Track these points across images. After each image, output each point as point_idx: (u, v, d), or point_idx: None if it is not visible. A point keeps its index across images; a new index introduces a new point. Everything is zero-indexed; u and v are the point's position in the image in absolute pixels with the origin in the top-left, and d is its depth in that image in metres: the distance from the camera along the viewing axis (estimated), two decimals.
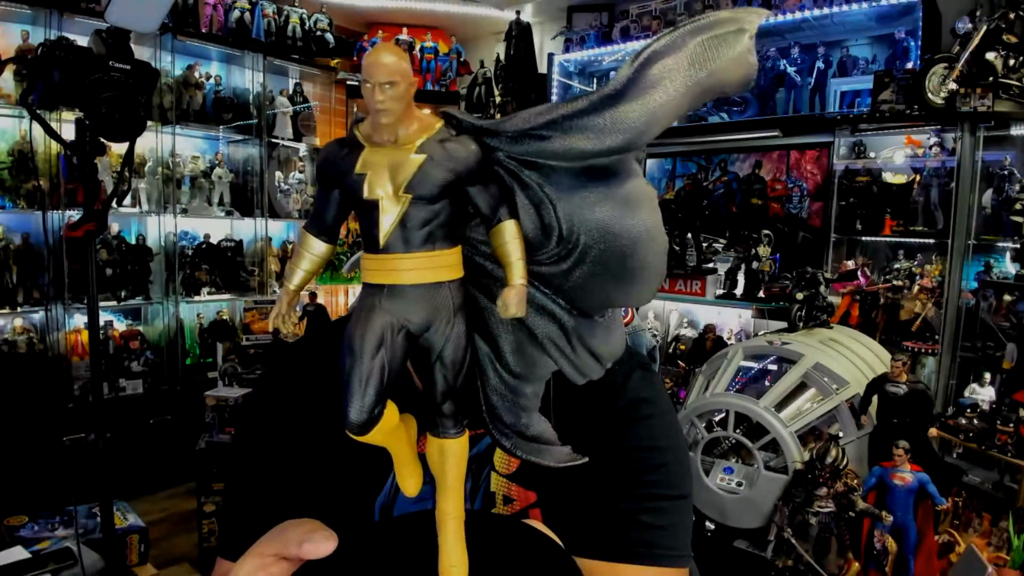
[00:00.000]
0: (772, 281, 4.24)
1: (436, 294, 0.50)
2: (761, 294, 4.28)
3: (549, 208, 0.54)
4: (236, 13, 5.38)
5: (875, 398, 3.09)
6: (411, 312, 0.50)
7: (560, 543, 0.61)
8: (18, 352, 4.33)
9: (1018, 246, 3.56)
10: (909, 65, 4.05)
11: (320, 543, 0.53)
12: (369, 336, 0.49)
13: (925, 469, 2.70)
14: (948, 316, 3.74)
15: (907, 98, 3.82)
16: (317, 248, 0.53)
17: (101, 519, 2.64)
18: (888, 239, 4.13)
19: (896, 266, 4.02)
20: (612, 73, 5.85)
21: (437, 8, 6.10)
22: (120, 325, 4.97)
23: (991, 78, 3.34)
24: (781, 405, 2.97)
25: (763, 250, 4.31)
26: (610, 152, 0.51)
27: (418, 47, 6.32)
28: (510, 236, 0.51)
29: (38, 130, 3.01)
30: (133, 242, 4.89)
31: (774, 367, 3.39)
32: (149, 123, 4.42)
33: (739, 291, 4.45)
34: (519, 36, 5.86)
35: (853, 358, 3.38)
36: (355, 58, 6.32)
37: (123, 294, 4.81)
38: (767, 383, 3.24)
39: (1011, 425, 2.82)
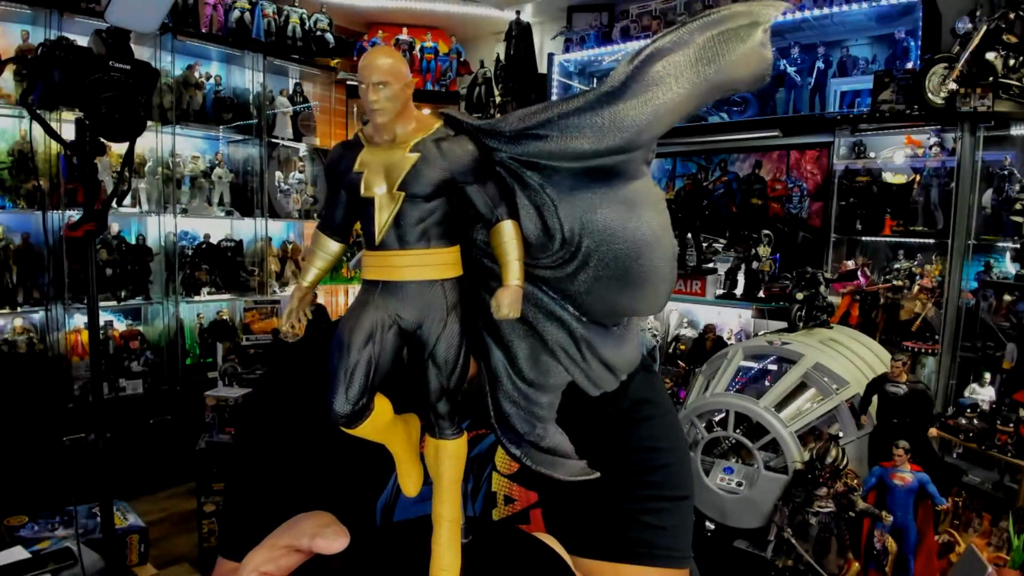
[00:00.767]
0: (772, 281, 4.24)
1: (429, 291, 0.50)
2: (761, 294, 4.28)
3: (551, 210, 0.52)
4: (236, 13, 5.38)
5: (875, 398, 3.09)
6: (403, 308, 0.50)
7: (566, 557, 0.60)
8: (18, 352, 4.32)
9: (1018, 246, 3.56)
10: (909, 65, 4.05)
11: (332, 538, 0.54)
12: (359, 329, 0.50)
13: (925, 469, 2.70)
14: (948, 316, 3.74)
15: (907, 98, 3.82)
16: (330, 247, 0.55)
17: (101, 519, 2.64)
18: (888, 239, 4.13)
19: (896, 266, 4.02)
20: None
21: (437, 8, 6.10)
22: (120, 325, 4.97)
23: (991, 78, 3.34)
24: (781, 405, 2.97)
25: (763, 250, 4.31)
26: (609, 152, 0.50)
27: (418, 47, 6.32)
28: (507, 236, 0.51)
29: (38, 130, 3.01)
30: (133, 242, 4.89)
31: (774, 367, 3.39)
32: (149, 123, 4.42)
33: (739, 291, 4.45)
34: (519, 36, 5.86)
35: (853, 358, 3.38)
36: (355, 58, 6.31)
37: (123, 294, 4.81)
38: (767, 383, 3.24)
39: (1011, 425, 2.82)
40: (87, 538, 2.91)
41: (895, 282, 3.98)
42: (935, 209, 3.88)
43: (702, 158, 5.06)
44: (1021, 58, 3.37)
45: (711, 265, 4.65)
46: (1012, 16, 3.35)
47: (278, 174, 5.87)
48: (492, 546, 0.58)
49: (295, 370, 0.99)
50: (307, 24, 5.81)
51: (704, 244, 4.66)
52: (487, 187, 0.51)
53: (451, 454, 0.54)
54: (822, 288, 3.83)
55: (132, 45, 2.44)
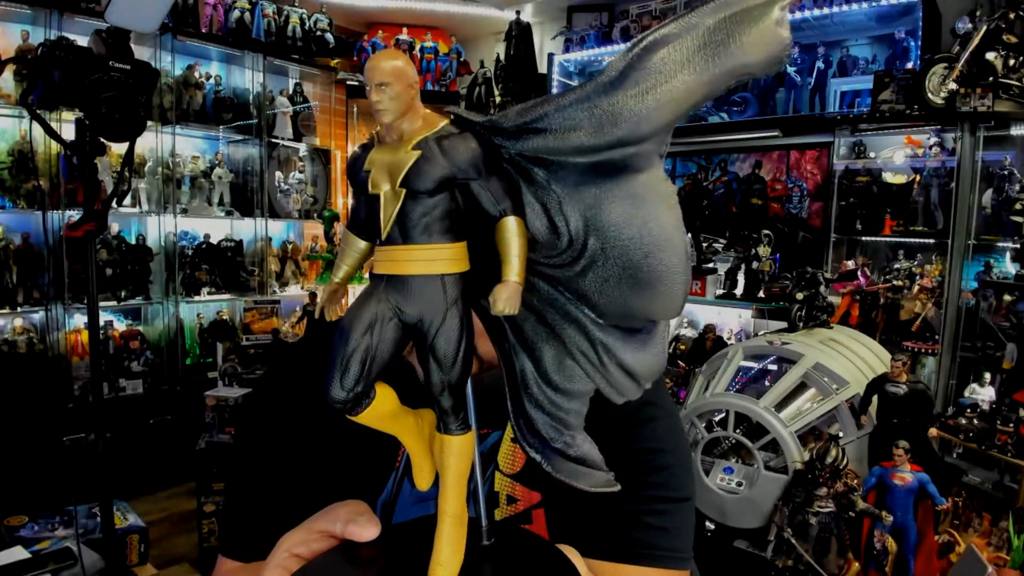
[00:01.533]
0: (772, 281, 4.24)
1: (430, 286, 0.51)
2: (761, 294, 4.28)
3: (556, 206, 0.51)
4: (236, 13, 5.38)
5: (875, 398, 3.09)
6: (404, 301, 0.51)
7: (584, 573, 0.60)
8: (18, 352, 4.32)
9: (1018, 246, 3.56)
10: (909, 65, 4.05)
11: (364, 527, 0.56)
12: (359, 319, 0.52)
13: (925, 469, 2.70)
14: (948, 316, 3.74)
15: (907, 98, 3.82)
16: (357, 245, 0.57)
17: (101, 519, 2.64)
18: (888, 239, 4.13)
19: (896, 266, 4.02)
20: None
21: (437, 8, 6.10)
22: (120, 325, 4.97)
23: (991, 78, 3.34)
24: (781, 405, 2.97)
25: (763, 250, 4.31)
26: (610, 146, 0.47)
27: (418, 47, 6.32)
28: (508, 232, 0.51)
29: (38, 130, 3.01)
30: (133, 242, 4.89)
31: (774, 367, 3.39)
32: (149, 123, 4.42)
33: (739, 291, 4.45)
34: (519, 36, 5.86)
35: (853, 358, 3.38)
36: (355, 58, 6.32)
37: (123, 294, 4.81)
38: (767, 383, 3.24)
39: (1011, 425, 2.82)
40: (87, 538, 2.91)
41: (895, 282, 3.98)
42: (935, 209, 3.88)
43: (702, 158, 5.06)
44: (1021, 58, 3.37)
45: (711, 265, 4.65)
46: (1012, 16, 3.35)
47: (278, 174, 5.87)
48: (506, 551, 0.58)
49: (295, 370, 0.99)
50: (307, 24, 5.81)
51: (704, 244, 4.66)
52: (491, 183, 0.51)
53: (455, 450, 0.55)
54: (822, 288, 3.83)
55: (132, 45, 2.44)
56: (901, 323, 3.95)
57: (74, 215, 4.08)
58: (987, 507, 2.76)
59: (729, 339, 4.66)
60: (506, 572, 0.57)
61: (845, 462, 2.73)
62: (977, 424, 2.94)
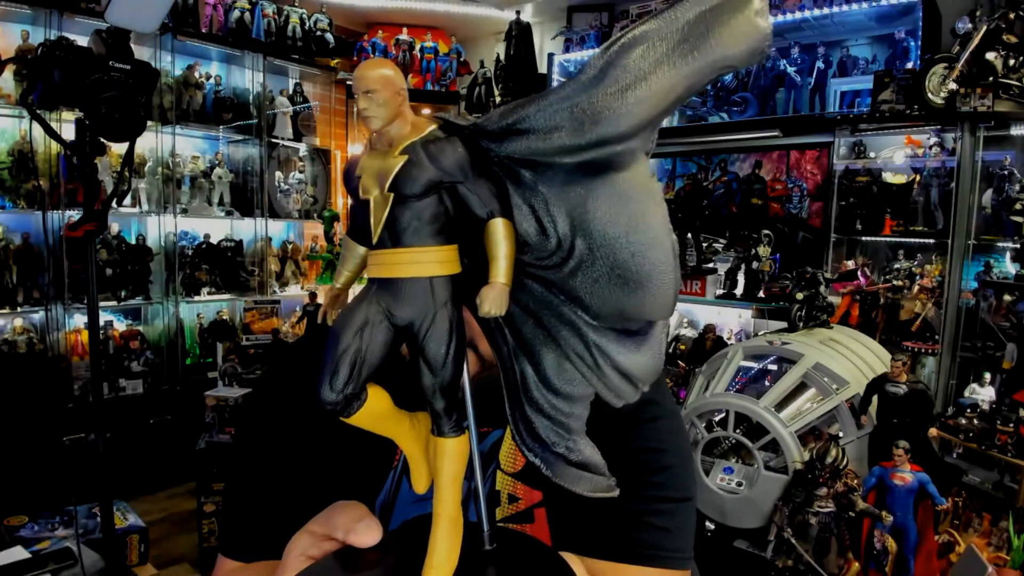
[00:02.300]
0: (772, 281, 4.24)
1: (419, 288, 0.52)
2: (761, 294, 4.28)
3: (543, 207, 0.51)
4: (236, 13, 5.38)
5: (875, 398, 3.09)
6: (394, 304, 0.52)
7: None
8: (18, 352, 4.32)
9: (1018, 246, 3.56)
10: (909, 65, 4.05)
11: (364, 533, 0.56)
12: (350, 321, 0.53)
13: (925, 469, 2.70)
14: (948, 316, 3.74)
15: (907, 98, 3.82)
16: (357, 251, 0.58)
17: (101, 519, 2.64)
18: (888, 239, 4.13)
19: (896, 266, 4.02)
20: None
21: (437, 8, 6.10)
22: (120, 325, 4.97)
23: (991, 78, 3.34)
24: (781, 405, 2.97)
25: (763, 250, 4.31)
26: (592, 145, 0.47)
27: (418, 47, 6.32)
28: (495, 234, 0.51)
29: (38, 130, 3.01)
30: (133, 242, 4.89)
31: (774, 367, 3.39)
32: (149, 123, 4.43)
33: (739, 291, 4.45)
34: (519, 36, 5.86)
35: (853, 358, 3.38)
36: (355, 58, 6.31)
37: (123, 294, 4.81)
38: (767, 383, 3.24)
39: (1011, 425, 2.82)
40: (87, 538, 2.91)
41: (895, 282, 3.98)
42: (935, 209, 3.88)
43: (702, 158, 5.06)
44: (1021, 58, 3.37)
45: (711, 265, 4.65)
46: (1012, 16, 3.35)
47: (278, 174, 5.87)
48: (508, 556, 0.58)
49: (294, 370, 0.99)
50: (307, 24, 5.81)
51: (704, 244, 4.66)
52: (479, 186, 0.51)
53: (449, 452, 0.55)
54: (822, 288, 3.83)
55: (132, 45, 2.44)
56: (901, 323, 3.95)
57: (74, 215, 4.08)
58: (987, 507, 2.76)
59: (729, 339, 4.66)
60: (487, 564, 0.57)
61: (845, 462, 2.73)
62: (977, 424, 2.94)
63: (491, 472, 0.91)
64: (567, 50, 5.75)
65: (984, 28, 3.34)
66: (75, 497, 2.87)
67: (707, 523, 3.01)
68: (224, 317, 5.42)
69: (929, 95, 3.65)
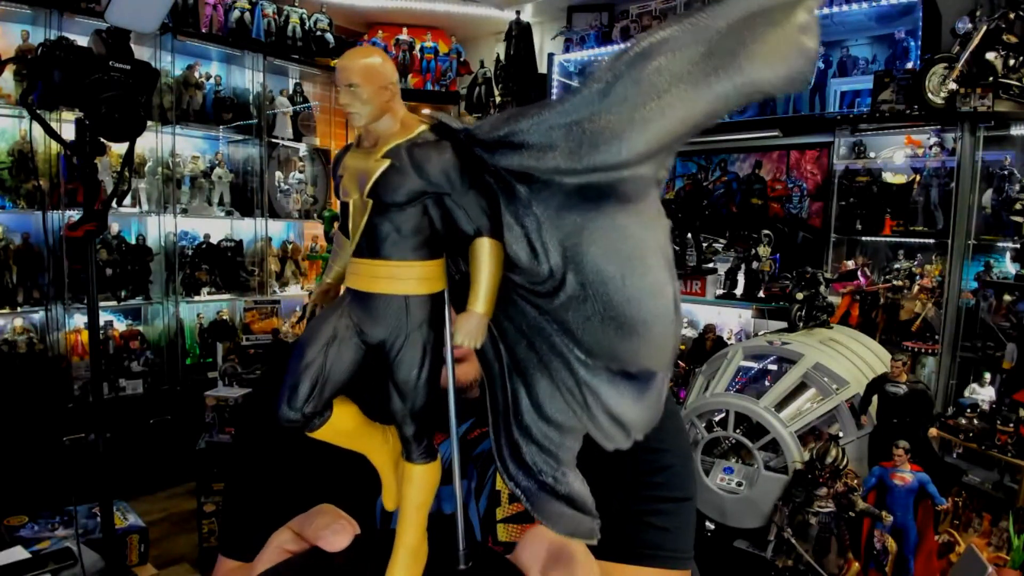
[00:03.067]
0: (772, 281, 4.24)
1: (393, 306, 0.47)
2: (761, 294, 4.28)
3: (535, 231, 0.44)
4: (236, 13, 5.38)
5: (875, 398, 3.09)
6: (365, 320, 0.48)
7: None
8: (18, 352, 4.32)
9: (1018, 246, 3.56)
10: (909, 65, 4.05)
11: (330, 538, 0.54)
12: (319, 333, 0.48)
13: (925, 469, 2.70)
14: (948, 316, 3.74)
15: (907, 98, 3.82)
16: (348, 246, 0.54)
17: (101, 519, 2.64)
18: (888, 239, 4.13)
19: (896, 266, 4.02)
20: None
21: (437, 8, 6.10)
22: (120, 325, 4.97)
23: (991, 78, 3.34)
24: (781, 405, 2.97)
25: (763, 250, 4.31)
26: (588, 171, 0.40)
27: (418, 47, 6.32)
28: (479, 256, 0.46)
29: (38, 130, 3.01)
30: (133, 242, 4.89)
31: (774, 367, 3.39)
32: (149, 123, 4.43)
33: (739, 291, 4.45)
34: (519, 36, 5.86)
35: (853, 358, 3.38)
36: None
37: (123, 294, 4.81)
38: (767, 383, 3.24)
39: (1011, 425, 2.82)
40: (87, 538, 2.91)
41: (895, 282, 3.98)
42: (935, 209, 3.88)
43: (702, 158, 5.06)
44: (1021, 58, 3.37)
45: (711, 265, 4.65)
46: (1012, 16, 3.35)
47: (278, 174, 5.87)
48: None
49: None
50: (307, 24, 5.81)
51: (704, 244, 4.66)
52: (468, 199, 0.46)
53: (416, 479, 0.51)
54: (822, 288, 3.83)
55: (132, 45, 2.44)
56: (901, 323, 3.95)
57: (74, 215, 4.08)
58: (987, 507, 2.76)
59: (729, 339, 4.66)
60: None
61: (845, 462, 2.73)
62: (977, 424, 2.93)
63: (492, 471, 0.91)
64: (567, 50, 5.75)
65: (984, 28, 3.34)
66: (75, 497, 2.87)
67: (707, 523, 3.01)
68: (224, 317, 5.42)
69: (929, 95, 3.65)
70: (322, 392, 0.48)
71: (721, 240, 4.69)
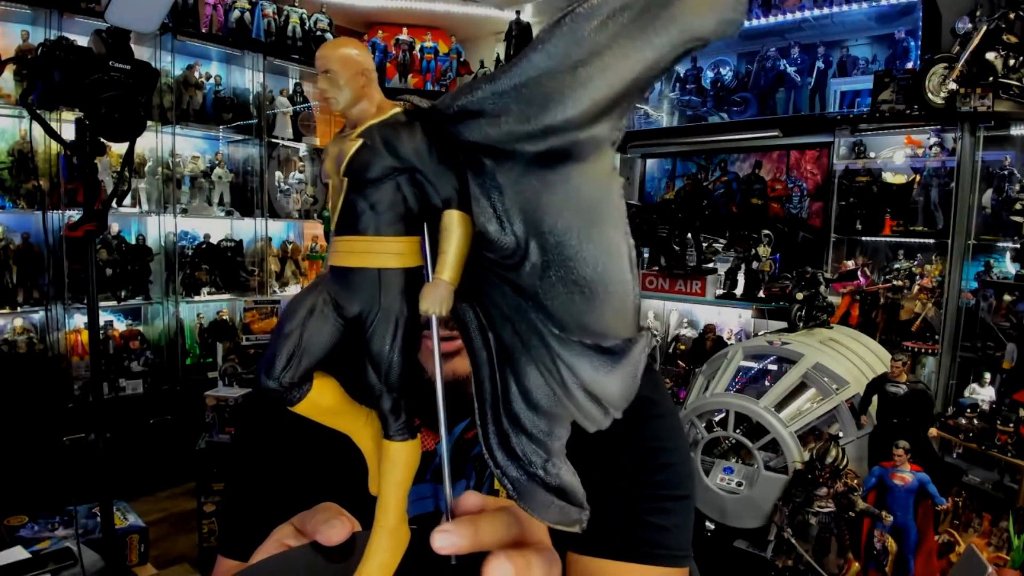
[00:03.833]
0: (772, 281, 4.24)
1: (367, 280, 0.49)
2: (761, 294, 4.28)
3: (499, 201, 0.45)
4: (236, 13, 5.38)
5: (875, 398, 3.09)
6: (341, 294, 0.49)
7: None
8: (18, 352, 4.33)
9: (1018, 246, 3.56)
10: (909, 65, 4.06)
11: (327, 532, 0.54)
12: (299, 307, 0.50)
13: (925, 469, 2.70)
14: (948, 316, 3.74)
15: (907, 98, 3.83)
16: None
17: (101, 519, 2.64)
18: (888, 239, 4.13)
19: (896, 266, 4.02)
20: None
21: (437, 8, 6.11)
22: (120, 325, 4.97)
23: (991, 78, 3.34)
24: (781, 405, 2.97)
25: (763, 250, 4.31)
26: (541, 133, 0.41)
27: (418, 47, 6.32)
28: (446, 227, 0.47)
29: (38, 130, 3.02)
30: (133, 242, 4.89)
31: (774, 367, 3.39)
32: (149, 123, 4.43)
33: (739, 291, 4.45)
34: (519, 36, 5.86)
35: (853, 358, 3.38)
36: None
37: (123, 294, 4.81)
38: (767, 383, 3.24)
39: (1011, 425, 2.82)
40: (87, 538, 2.91)
41: (895, 282, 3.99)
42: (935, 209, 3.88)
43: (702, 158, 5.06)
44: (1021, 58, 3.37)
45: (711, 265, 4.65)
46: (1012, 16, 3.35)
47: (278, 174, 5.87)
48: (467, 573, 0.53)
49: None
50: (307, 24, 5.81)
51: (704, 244, 4.66)
52: (438, 174, 0.48)
53: (394, 457, 0.51)
54: (822, 288, 3.83)
55: (132, 45, 2.44)
56: (901, 323, 3.95)
57: (74, 215, 4.08)
58: (987, 507, 2.76)
59: (729, 339, 4.66)
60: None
61: (845, 462, 2.73)
62: (977, 424, 2.94)
63: (489, 473, 0.91)
64: None
65: (984, 28, 3.34)
66: (75, 497, 2.87)
67: (707, 523, 3.01)
68: (224, 317, 5.42)
69: (929, 95, 3.65)
70: (299, 363, 0.49)
71: (721, 240, 4.69)
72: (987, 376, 3.47)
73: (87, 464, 2.64)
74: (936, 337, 3.80)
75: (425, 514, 0.87)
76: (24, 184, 4.33)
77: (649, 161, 5.54)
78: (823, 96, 4.53)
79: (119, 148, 3.51)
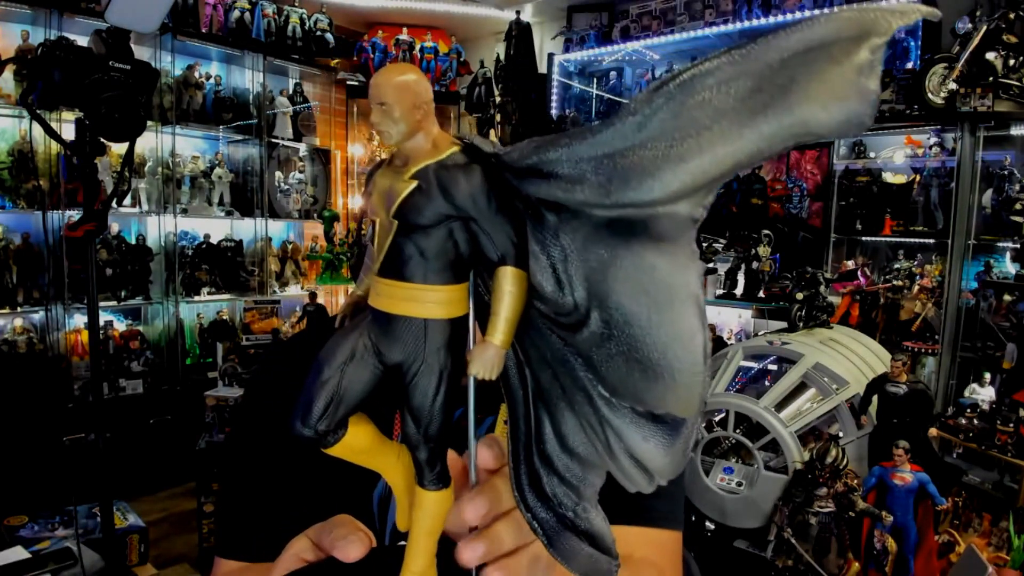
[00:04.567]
0: (772, 281, 4.24)
1: (411, 329, 0.46)
2: (761, 294, 4.28)
3: (561, 262, 0.42)
4: (236, 13, 5.38)
5: (875, 398, 3.09)
6: (384, 341, 0.47)
7: None
8: (18, 352, 4.33)
9: (1018, 246, 3.56)
10: (909, 65, 4.05)
11: (346, 548, 0.53)
12: (338, 351, 0.48)
13: (925, 469, 2.70)
14: (948, 316, 3.74)
15: (907, 98, 3.83)
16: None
17: (101, 519, 2.64)
18: (888, 239, 4.13)
19: (896, 266, 4.02)
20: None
21: (437, 8, 6.10)
22: (120, 325, 4.97)
23: (991, 78, 3.34)
24: (781, 405, 2.97)
25: (763, 250, 4.31)
26: (618, 206, 0.38)
27: (418, 47, 6.33)
28: (501, 285, 0.44)
29: (38, 130, 3.02)
30: (133, 242, 4.89)
31: (774, 367, 3.39)
32: (149, 123, 4.43)
33: (739, 291, 4.45)
34: (519, 36, 5.86)
35: (853, 358, 3.38)
36: (355, 58, 6.32)
37: (123, 294, 4.81)
38: (767, 383, 3.24)
39: (1011, 425, 2.82)
40: (87, 538, 2.91)
41: (895, 282, 3.99)
42: (935, 209, 3.88)
43: None
44: (1021, 58, 3.37)
45: (711, 265, 4.65)
46: (1012, 16, 3.35)
47: (278, 174, 5.88)
48: None
49: (289, 368, 0.99)
50: (307, 24, 5.81)
51: (704, 244, 4.66)
52: (495, 225, 0.45)
53: (426, 506, 0.50)
54: (822, 288, 3.83)
55: (132, 45, 2.44)
56: (901, 323, 3.95)
57: (74, 215, 4.08)
58: (987, 507, 2.76)
59: (729, 339, 4.66)
60: None
61: (845, 462, 2.73)
62: (977, 424, 2.93)
63: None
64: (567, 50, 5.75)
65: (984, 28, 3.34)
66: (75, 497, 2.87)
67: (707, 523, 3.01)
68: (224, 317, 5.43)
69: (929, 95, 3.65)
70: (336, 411, 0.48)
71: (721, 240, 4.69)
72: (987, 376, 3.47)
73: (87, 464, 2.64)
74: (936, 337, 3.80)
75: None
76: (24, 184, 4.33)
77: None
78: None
79: (119, 148, 3.51)
